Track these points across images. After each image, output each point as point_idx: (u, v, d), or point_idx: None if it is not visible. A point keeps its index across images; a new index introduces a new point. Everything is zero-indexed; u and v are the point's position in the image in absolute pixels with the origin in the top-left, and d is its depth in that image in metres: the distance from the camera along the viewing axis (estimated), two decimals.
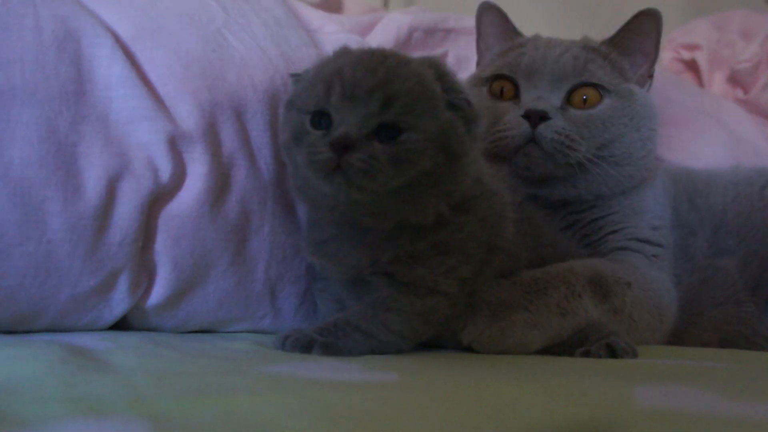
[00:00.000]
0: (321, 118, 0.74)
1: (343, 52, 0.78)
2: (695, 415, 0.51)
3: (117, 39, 0.86)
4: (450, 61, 1.52)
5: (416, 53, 1.15)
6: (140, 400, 0.49)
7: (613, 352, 0.83)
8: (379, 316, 0.78)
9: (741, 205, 1.18)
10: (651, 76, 1.13)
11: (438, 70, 0.77)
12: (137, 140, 0.83)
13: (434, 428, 0.45)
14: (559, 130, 1.00)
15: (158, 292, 0.84)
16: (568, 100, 1.05)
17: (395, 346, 0.79)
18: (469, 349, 0.84)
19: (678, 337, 1.07)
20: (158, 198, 0.83)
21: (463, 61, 1.55)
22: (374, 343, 0.77)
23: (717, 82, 1.95)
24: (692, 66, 2.02)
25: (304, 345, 0.75)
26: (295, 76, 0.83)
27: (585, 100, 1.04)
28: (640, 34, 1.08)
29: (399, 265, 0.78)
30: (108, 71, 0.83)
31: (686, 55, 2.03)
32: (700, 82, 1.98)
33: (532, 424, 0.47)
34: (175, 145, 0.84)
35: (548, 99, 1.04)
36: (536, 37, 1.15)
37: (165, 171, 0.83)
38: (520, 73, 1.07)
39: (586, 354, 0.83)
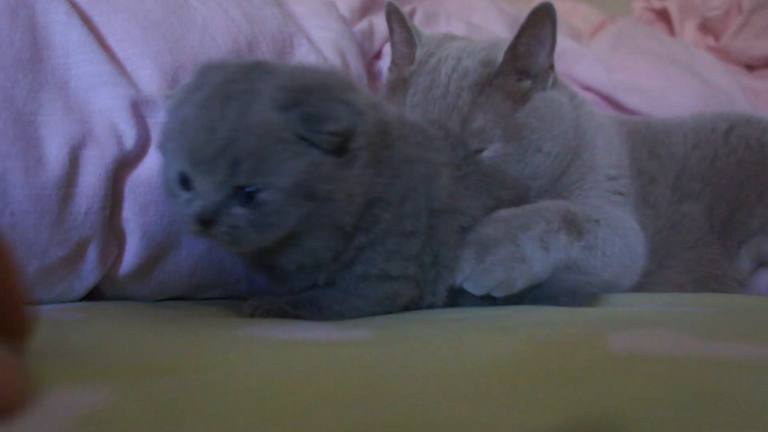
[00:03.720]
0: (184, 178, 0.70)
1: (193, 87, 0.71)
2: (669, 356, 0.51)
3: (73, 4, 0.84)
4: (418, 19, 1.51)
5: (383, 11, 1.13)
6: (108, 367, 0.48)
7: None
8: (350, 300, 0.77)
9: (704, 150, 1.19)
10: (551, 67, 1.08)
11: (293, 98, 0.69)
12: (99, 107, 0.81)
13: (410, 382, 0.45)
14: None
15: (129, 260, 0.83)
16: None
17: None
18: (459, 292, 0.85)
19: (651, 280, 1.08)
20: (123, 165, 0.81)
21: (432, 17, 1.54)
22: (346, 319, 0.76)
23: (688, 30, 1.95)
24: (663, 15, 2.01)
25: (276, 315, 0.74)
26: (169, 98, 0.76)
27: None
28: (537, 27, 1.02)
29: (343, 267, 0.77)
30: (65, 37, 0.81)
31: (657, 4, 2.02)
32: (672, 31, 1.98)
33: (509, 374, 0.47)
34: (138, 111, 0.82)
35: None
36: (419, 71, 1.07)
37: (129, 137, 0.81)
38: None
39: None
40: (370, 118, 0.73)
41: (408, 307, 0.82)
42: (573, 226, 0.92)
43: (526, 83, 1.04)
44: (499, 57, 1.02)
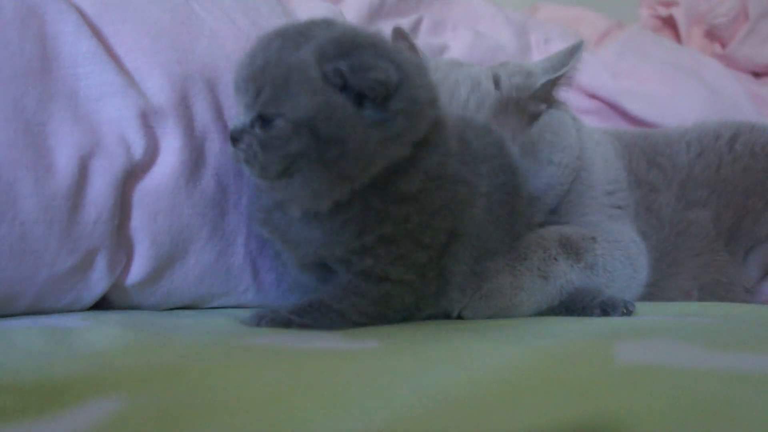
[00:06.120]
0: None
1: (272, 34, 0.77)
2: (676, 366, 0.51)
3: (82, 14, 0.84)
4: (425, 27, 1.51)
5: (389, 20, 1.14)
6: (118, 378, 0.48)
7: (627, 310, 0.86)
8: (350, 298, 0.77)
9: (708, 158, 1.19)
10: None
11: (341, 49, 0.73)
12: (108, 117, 0.81)
13: (416, 392, 0.45)
14: None
15: (137, 269, 0.83)
16: None
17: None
18: (457, 318, 0.84)
19: (658, 287, 1.08)
20: (132, 174, 0.82)
21: (438, 25, 1.54)
22: (348, 323, 0.77)
23: (695, 37, 1.95)
24: (670, 22, 2.01)
25: (281, 325, 0.74)
26: None
27: None
28: (576, 64, 1.06)
29: (353, 254, 0.77)
30: (74, 48, 0.81)
31: (663, 11, 2.02)
32: (678, 38, 1.98)
33: (515, 384, 0.47)
34: (146, 120, 0.82)
35: None
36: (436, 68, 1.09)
37: (137, 147, 0.81)
38: None
39: (605, 313, 0.85)
40: (415, 84, 0.76)
41: (406, 317, 0.82)
42: (570, 248, 0.93)
43: (543, 106, 1.06)
44: (533, 85, 1.04)
